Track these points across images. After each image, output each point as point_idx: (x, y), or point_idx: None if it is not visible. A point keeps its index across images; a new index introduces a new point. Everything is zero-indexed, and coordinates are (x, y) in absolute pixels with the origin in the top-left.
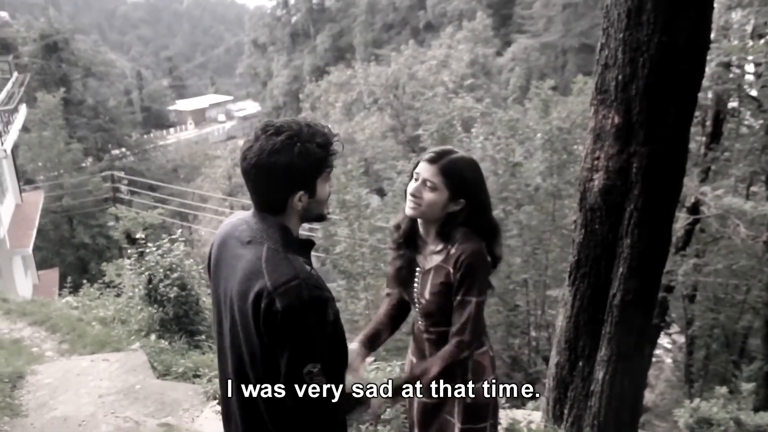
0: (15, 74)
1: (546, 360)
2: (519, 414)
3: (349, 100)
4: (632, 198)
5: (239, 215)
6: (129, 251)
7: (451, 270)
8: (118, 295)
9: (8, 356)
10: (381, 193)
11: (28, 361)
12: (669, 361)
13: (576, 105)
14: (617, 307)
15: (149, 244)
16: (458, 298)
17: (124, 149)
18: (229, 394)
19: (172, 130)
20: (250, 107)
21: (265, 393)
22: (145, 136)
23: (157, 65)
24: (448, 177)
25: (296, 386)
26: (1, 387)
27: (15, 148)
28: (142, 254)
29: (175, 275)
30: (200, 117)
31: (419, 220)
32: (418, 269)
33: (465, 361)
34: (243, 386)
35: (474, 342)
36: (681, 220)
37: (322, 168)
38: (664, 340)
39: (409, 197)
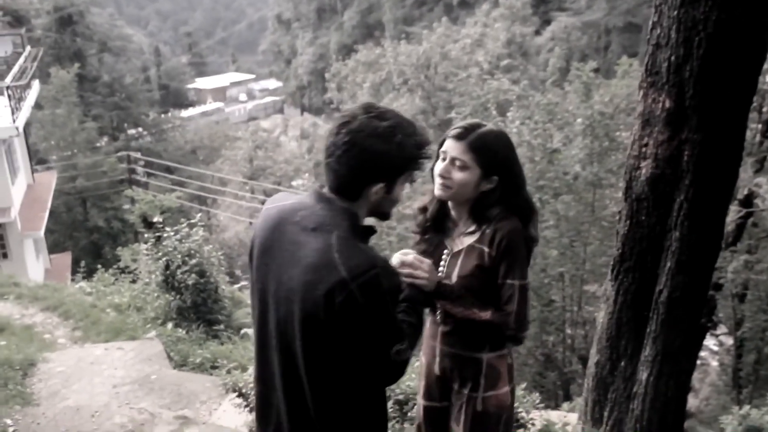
0: (28, 48)
1: (582, 359)
2: (554, 415)
3: (377, 80)
4: (682, 188)
5: (292, 198)
6: (145, 235)
7: (487, 249)
8: (134, 281)
9: (19, 343)
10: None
11: (39, 348)
12: (715, 364)
13: (620, 88)
14: (663, 305)
15: (167, 229)
16: (500, 281)
17: (140, 129)
18: (274, 391)
19: (191, 109)
20: (273, 86)
21: (319, 388)
22: (163, 116)
23: (175, 41)
24: (478, 153)
25: (382, 366)
26: (12, 374)
27: (27, 126)
28: (159, 239)
29: (194, 261)
30: (220, 96)
31: (450, 202)
32: (446, 252)
33: (506, 337)
34: (292, 382)
35: (521, 330)
36: (732, 214)
37: (411, 167)
38: (710, 342)
39: (437, 179)
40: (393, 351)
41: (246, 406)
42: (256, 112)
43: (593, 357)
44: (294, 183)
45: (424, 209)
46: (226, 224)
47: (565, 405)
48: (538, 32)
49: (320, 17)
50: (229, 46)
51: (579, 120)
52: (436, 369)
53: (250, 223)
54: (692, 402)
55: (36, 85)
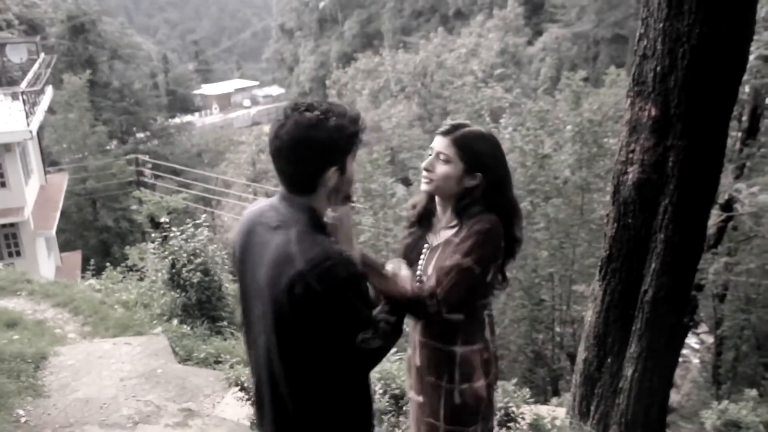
0: (42, 55)
1: (570, 356)
2: (543, 410)
3: (376, 87)
4: (667, 192)
5: (264, 202)
6: (152, 235)
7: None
8: (141, 279)
9: (31, 337)
10: (407, 182)
11: (50, 343)
12: (696, 361)
13: (608, 97)
14: (649, 304)
15: (173, 229)
16: (454, 255)
17: (148, 133)
18: (263, 384)
19: (197, 114)
20: (276, 93)
21: (296, 380)
22: (170, 120)
23: (183, 49)
24: (461, 149)
25: (350, 356)
26: (25, 367)
27: (40, 130)
28: (165, 238)
29: (199, 260)
30: (225, 102)
31: (436, 199)
32: (425, 246)
33: (427, 315)
34: (273, 375)
35: (445, 304)
36: (713, 217)
37: (354, 142)
38: (691, 340)
39: (423, 172)
40: (359, 339)
41: (248, 399)
42: (259, 118)
43: (581, 354)
44: None
45: (414, 205)
46: (230, 225)
47: (554, 400)
48: (530, 42)
49: (321, 27)
50: (234, 53)
51: (569, 127)
52: (417, 360)
53: None
54: (674, 397)
55: (49, 90)
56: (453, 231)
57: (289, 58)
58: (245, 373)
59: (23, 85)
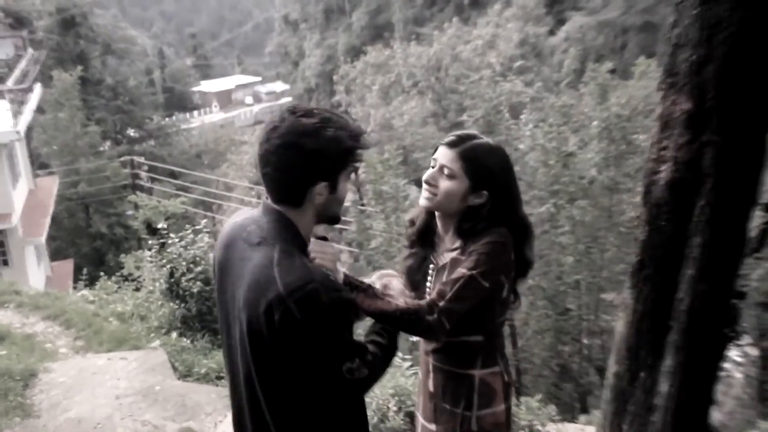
0: (29, 51)
1: (599, 370)
2: (571, 428)
3: (386, 82)
4: (704, 193)
5: (246, 213)
6: (149, 242)
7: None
8: (137, 290)
9: (20, 352)
10: (420, 184)
11: (41, 358)
12: (739, 376)
13: (637, 90)
14: (685, 314)
15: (171, 235)
16: (460, 270)
17: (144, 133)
18: (243, 411)
19: (195, 112)
20: (280, 89)
21: (279, 409)
22: (167, 119)
23: (180, 43)
24: (468, 163)
25: (335, 385)
26: (13, 385)
27: (29, 131)
28: (163, 246)
29: (199, 269)
30: (226, 99)
31: (437, 214)
32: (431, 267)
33: (427, 331)
34: (254, 402)
35: (447, 316)
36: (756, 219)
37: (349, 161)
38: (734, 353)
39: (424, 185)
40: (344, 369)
41: None
42: (262, 115)
43: (611, 367)
44: None
45: (412, 222)
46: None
47: (583, 417)
48: (552, 32)
49: (328, 18)
50: (235, 47)
51: (595, 123)
52: (430, 385)
53: None
54: (715, 416)
55: (38, 88)
56: (458, 252)
57: (293, 51)
58: None
59: (10, 82)
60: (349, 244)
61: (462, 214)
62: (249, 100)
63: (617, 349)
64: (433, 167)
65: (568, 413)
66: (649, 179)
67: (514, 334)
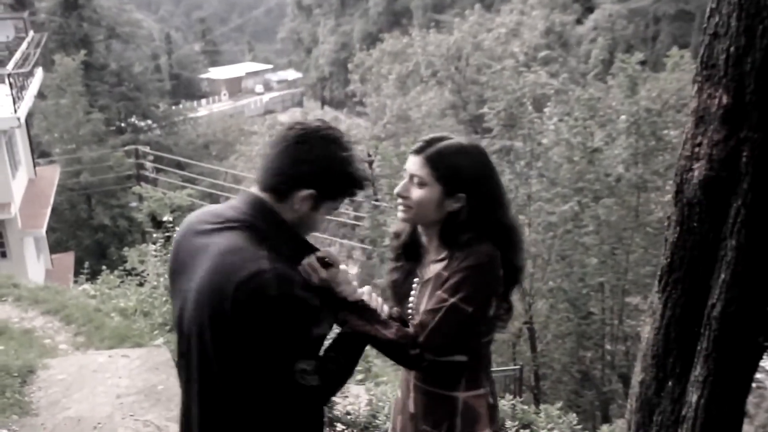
0: (31, 33)
1: (622, 378)
2: None
3: (404, 71)
4: (740, 192)
5: (209, 207)
6: (154, 235)
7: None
8: (141, 284)
9: (18, 348)
10: None
11: (39, 355)
12: None
13: (669, 83)
14: (716, 320)
15: (177, 228)
16: (438, 292)
17: (149, 121)
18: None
19: (203, 101)
20: (292, 77)
21: (229, 399)
22: (174, 107)
23: (188, 27)
24: (436, 168)
25: (286, 386)
26: (10, 382)
27: (29, 117)
28: (168, 239)
29: None
30: (235, 87)
31: (419, 226)
32: (416, 281)
33: (409, 363)
34: (206, 390)
35: (427, 348)
36: None
37: (344, 190)
38: (766, 363)
39: (397, 199)
40: (297, 368)
41: None
42: (273, 105)
43: (637, 375)
44: None
45: (397, 235)
46: None
47: (605, 427)
48: (579, 21)
49: (343, 3)
50: (246, 33)
51: (623, 117)
52: (411, 406)
53: None
54: (747, 428)
55: (39, 72)
56: (443, 264)
57: (306, 38)
58: None
59: (10, 66)
60: (362, 241)
61: (443, 223)
62: (259, 88)
63: (643, 356)
64: (404, 178)
65: (589, 421)
66: (682, 177)
67: (533, 338)
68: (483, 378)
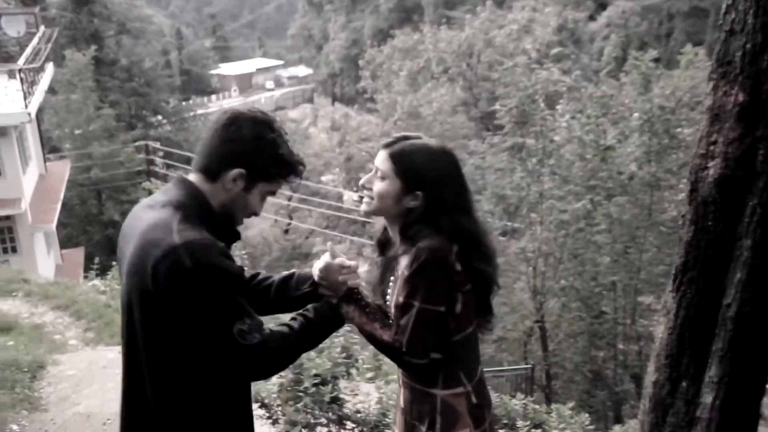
0: (41, 28)
1: (635, 378)
2: None
3: (415, 68)
4: (756, 191)
5: (155, 192)
6: None
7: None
8: None
9: (28, 343)
10: None
11: (49, 350)
12: None
13: (683, 80)
14: (732, 320)
15: None
16: (400, 299)
17: (160, 117)
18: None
19: (214, 97)
20: (302, 73)
21: (161, 380)
22: (184, 103)
23: (199, 23)
24: (397, 163)
25: (228, 348)
26: (20, 377)
27: (40, 112)
28: None
29: None
30: (246, 83)
31: (385, 221)
32: (392, 277)
33: (402, 364)
34: (137, 373)
35: (411, 354)
36: None
37: (275, 173)
38: None
39: (362, 191)
40: (235, 331)
41: (269, 417)
42: (283, 101)
43: (650, 376)
44: (323, 178)
45: (378, 231)
46: (250, 221)
47: (617, 428)
48: (592, 17)
49: None
50: (256, 29)
51: (636, 114)
52: (401, 401)
53: (276, 220)
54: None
55: (50, 68)
56: (407, 260)
57: (317, 34)
58: (266, 389)
59: (21, 61)
60: (371, 238)
61: (402, 218)
62: (270, 84)
63: (657, 356)
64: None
65: (601, 422)
66: (696, 176)
67: (544, 337)
68: (461, 377)
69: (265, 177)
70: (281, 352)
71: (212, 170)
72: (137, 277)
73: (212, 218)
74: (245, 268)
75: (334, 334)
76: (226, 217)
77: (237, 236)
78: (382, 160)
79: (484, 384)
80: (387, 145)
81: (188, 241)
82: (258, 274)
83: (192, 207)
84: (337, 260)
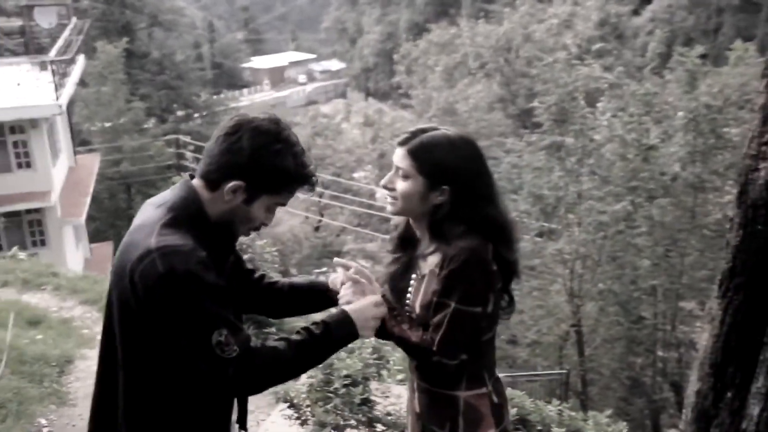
0: (73, 20)
1: (674, 386)
2: None
3: (451, 63)
4: None
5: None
6: None
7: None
8: None
9: (56, 337)
10: None
11: (77, 345)
12: None
13: (732, 77)
14: None
15: None
16: (435, 299)
17: (191, 110)
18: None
19: (245, 90)
20: (335, 67)
21: (131, 377)
22: (215, 97)
23: (231, 15)
24: (418, 160)
25: (204, 359)
26: (48, 371)
27: (70, 105)
28: None
29: (245, 257)
30: (278, 77)
31: (410, 219)
32: (414, 275)
33: (430, 365)
34: (108, 364)
35: (443, 354)
36: None
37: (278, 186)
38: None
39: (384, 191)
40: (214, 342)
41: (297, 418)
42: (316, 96)
43: (693, 385)
44: (355, 175)
45: (395, 227)
46: (280, 218)
47: None
48: (636, 12)
49: None
50: (289, 22)
51: (680, 113)
52: (416, 406)
53: (306, 217)
54: None
55: (81, 60)
56: (437, 260)
57: (351, 28)
58: (295, 389)
59: (52, 53)
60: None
61: (430, 215)
62: (302, 78)
63: (701, 364)
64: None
65: (639, 431)
66: (746, 178)
67: (580, 342)
68: (485, 377)
69: (268, 190)
70: (269, 368)
71: (212, 179)
72: (117, 278)
73: (206, 226)
74: (256, 270)
75: None
76: (224, 228)
77: (232, 249)
78: (401, 157)
79: (500, 382)
80: (404, 142)
81: (164, 246)
82: (264, 276)
83: (185, 212)
84: (370, 299)
